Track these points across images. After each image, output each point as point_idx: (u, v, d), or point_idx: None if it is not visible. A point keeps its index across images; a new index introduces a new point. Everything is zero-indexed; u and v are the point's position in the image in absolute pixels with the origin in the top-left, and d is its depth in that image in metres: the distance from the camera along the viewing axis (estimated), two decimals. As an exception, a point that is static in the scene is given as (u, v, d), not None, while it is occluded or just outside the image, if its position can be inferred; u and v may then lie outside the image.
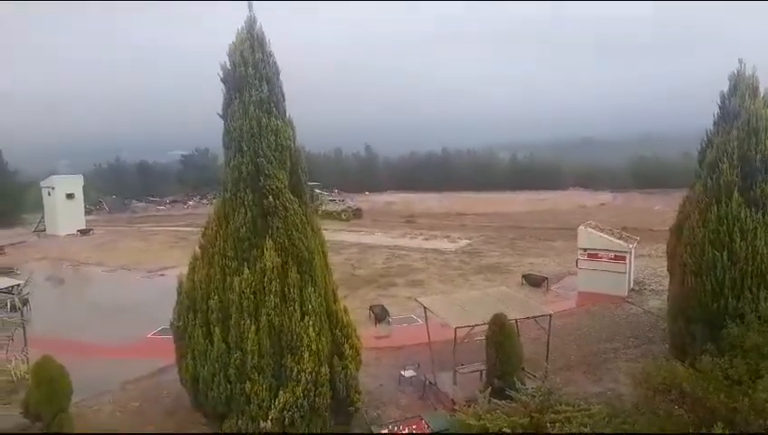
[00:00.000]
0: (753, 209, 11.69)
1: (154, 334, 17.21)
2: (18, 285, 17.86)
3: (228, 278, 10.59)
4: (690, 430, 8.23)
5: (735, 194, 11.79)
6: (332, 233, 35.28)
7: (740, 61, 13.49)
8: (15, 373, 13.14)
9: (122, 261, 30.27)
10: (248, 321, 10.25)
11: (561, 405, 8.93)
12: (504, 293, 15.48)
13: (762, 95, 13.00)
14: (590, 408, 8.93)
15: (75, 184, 42.17)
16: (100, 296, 23.08)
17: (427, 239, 34.89)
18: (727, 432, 7.42)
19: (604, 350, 15.61)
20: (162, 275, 26.25)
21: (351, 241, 34.25)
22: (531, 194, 59.22)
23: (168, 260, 29.04)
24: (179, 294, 11.42)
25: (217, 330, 10.49)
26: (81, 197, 42.62)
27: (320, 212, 45.80)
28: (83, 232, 40.22)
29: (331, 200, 49.33)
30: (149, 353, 15.65)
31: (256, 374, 10.15)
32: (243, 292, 10.30)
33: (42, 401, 10.10)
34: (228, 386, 10.34)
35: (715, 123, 14.24)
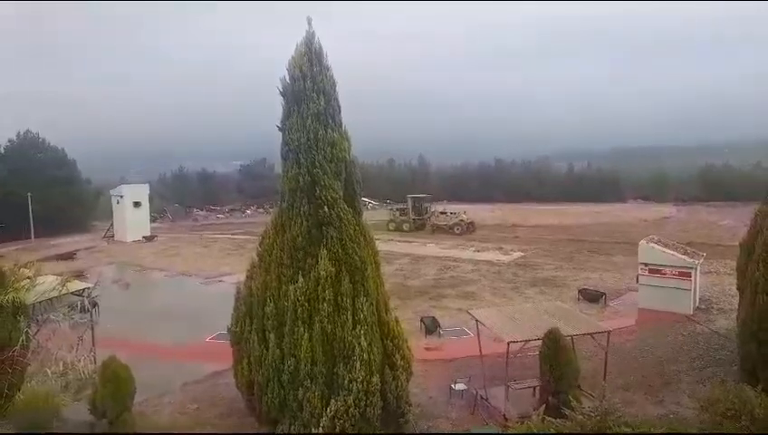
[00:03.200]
0: (833, 225, 10.91)
1: (212, 338, 17.80)
2: (88, 288, 18.94)
3: (284, 286, 10.85)
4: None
5: (814, 208, 11.05)
6: (385, 243, 35.44)
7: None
8: (84, 372, 13.89)
9: (183, 267, 31.55)
10: (302, 328, 10.46)
11: (620, 427, 8.57)
12: (559, 307, 15.06)
13: None
14: (652, 430, 8.53)
15: (142, 193, 44.41)
16: (162, 300, 24.12)
17: (479, 251, 34.44)
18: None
19: (667, 371, 14.86)
20: (220, 281, 27.18)
21: (403, 252, 34.26)
22: (588, 206, 57.36)
23: (226, 267, 30.05)
24: (237, 300, 11.81)
25: (272, 336, 10.75)
26: (147, 205, 44.83)
27: (429, 226, 44.72)
28: (148, 238, 42.22)
29: (441, 213, 45.51)
30: (207, 357, 16.18)
31: (309, 381, 10.32)
32: (297, 299, 10.52)
33: (107, 398, 10.62)
34: (281, 392, 10.57)
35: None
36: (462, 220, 43.01)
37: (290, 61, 11.31)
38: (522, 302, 21.08)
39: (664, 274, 19.90)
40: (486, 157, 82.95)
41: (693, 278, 19.71)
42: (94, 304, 19.16)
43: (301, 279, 10.60)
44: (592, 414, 8.89)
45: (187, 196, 68.19)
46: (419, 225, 45.24)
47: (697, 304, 20.22)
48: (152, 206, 48.49)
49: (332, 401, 10.13)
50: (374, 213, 58.46)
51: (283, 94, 11.42)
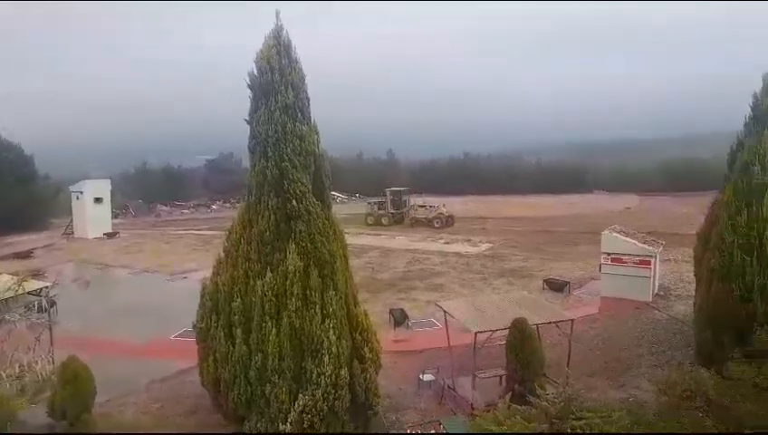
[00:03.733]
0: (784, 214, 11.38)
1: (177, 336, 17.50)
2: (46, 287, 18.33)
3: (251, 281, 10.73)
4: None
5: (767, 197, 11.50)
6: (354, 237, 35.40)
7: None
8: (42, 373, 13.48)
9: (147, 264, 30.85)
10: (270, 323, 10.36)
11: (582, 411, 8.79)
12: (526, 297, 15.34)
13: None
14: (612, 414, 8.78)
15: (103, 188, 43.13)
16: (125, 298, 23.54)
17: (448, 243, 34.75)
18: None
19: (627, 356, 15.33)
20: (185, 277, 26.71)
21: (373, 245, 34.31)
22: (555, 197, 58.53)
23: (192, 263, 29.52)
24: (203, 296, 11.61)
25: (239, 332, 10.63)
26: (109, 201, 43.55)
27: (408, 220, 44.21)
28: (110, 235, 41.10)
29: (420, 207, 44.96)
30: (172, 355, 15.91)
31: (277, 377, 10.24)
32: (265, 294, 10.41)
33: (66, 400, 10.33)
34: (249, 388, 10.47)
35: (745, 124, 13.92)
36: (441, 213, 42.85)
37: (258, 53, 11.13)
38: (489, 293, 21.41)
39: (625, 262, 20.50)
40: (456, 151, 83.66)
41: (652, 266, 20.36)
42: (52, 304, 18.59)
43: (269, 274, 10.49)
44: (556, 400, 9.09)
45: (150, 191, 66.60)
46: (398, 218, 44.90)
47: (656, 292, 20.90)
48: (114, 202, 47.12)
49: (300, 395, 10.08)
50: (352, 206, 58.35)
51: (251, 87, 11.24)
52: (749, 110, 13.75)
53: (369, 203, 47.51)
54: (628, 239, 21.11)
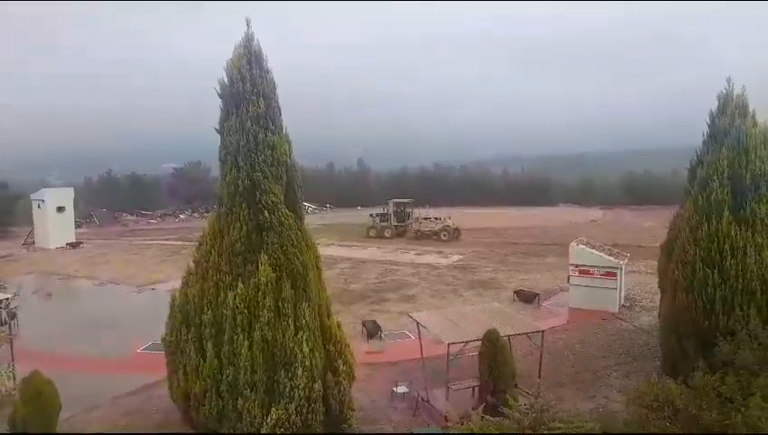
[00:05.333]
0: (743, 228, 11.84)
1: (143, 350, 17.03)
2: (6, 299, 17.63)
3: (222, 293, 10.56)
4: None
5: (726, 212, 11.95)
6: (326, 248, 35.22)
7: (728, 80, 13.77)
8: (2, 389, 12.93)
9: (112, 275, 29.98)
10: (241, 336, 10.20)
11: (553, 422, 8.91)
12: (497, 309, 15.48)
13: (751, 114, 13.24)
14: (583, 425, 8.92)
15: (66, 197, 41.87)
16: (89, 311, 22.79)
17: (419, 254, 34.89)
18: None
19: (596, 367, 15.62)
20: (153, 289, 26.05)
21: (345, 256, 34.20)
22: (522, 210, 59.55)
23: (159, 274, 28.84)
24: (172, 308, 11.36)
25: (210, 345, 10.43)
26: (72, 210, 42.28)
27: (413, 232, 42.51)
28: (73, 245, 39.86)
29: (425, 219, 43.21)
30: (139, 369, 15.46)
31: (249, 390, 10.06)
32: (236, 307, 10.26)
33: (28, 417, 9.90)
34: (220, 402, 10.26)
35: (704, 142, 14.47)
36: (448, 226, 41.56)
37: (228, 62, 11.06)
38: (461, 304, 21.56)
39: (592, 274, 20.94)
40: (426, 161, 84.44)
41: (618, 278, 20.85)
42: (13, 316, 17.92)
43: (240, 286, 10.34)
44: (528, 411, 9.19)
45: (116, 200, 65.00)
46: (401, 231, 43.24)
47: (623, 303, 21.38)
48: (77, 211, 45.77)
49: (273, 409, 9.92)
50: (323, 216, 57.39)
51: (222, 96, 11.15)
52: (707, 127, 14.34)
53: (371, 215, 45.35)
54: (594, 251, 21.60)
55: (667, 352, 12.81)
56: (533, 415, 9.12)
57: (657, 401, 9.01)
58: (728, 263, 11.56)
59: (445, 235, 40.78)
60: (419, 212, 44.55)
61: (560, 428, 8.81)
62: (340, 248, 37.32)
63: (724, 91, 13.86)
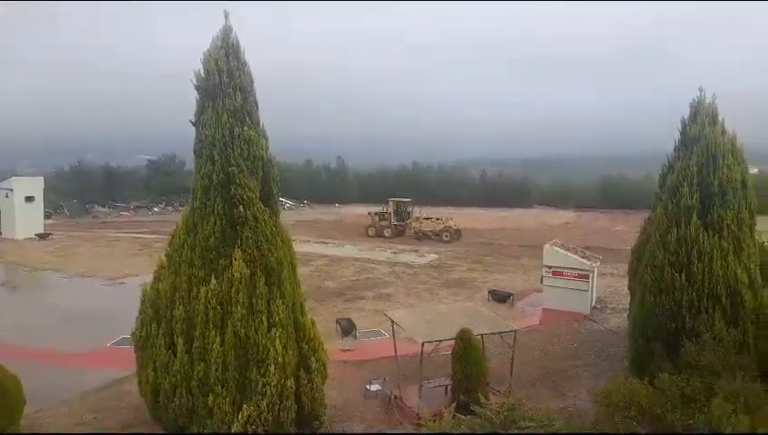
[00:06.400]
0: (710, 233, 12.13)
1: (113, 344, 16.72)
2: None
3: (194, 288, 10.42)
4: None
5: (694, 217, 12.23)
6: (300, 244, 35.04)
7: (700, 89, 14.10)
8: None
9: (82, 267, 29.33)
10: (213, 332, 10.08)
11: (524, 421, 9.02)
12: (471, 308, 15.61)
13: (720, 123, 13.57)
14: (553, 424, 9.06)
15: (35, 186, 40.75)
16: (57, 303, 22.27)
17: (395, 253, 34.95)
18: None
19: (567, 366, 15.87)
20: (123, 283, 25.58)
21: (321, 253, 34.06)
22: (498, 211, 60.04)
23: (130, 268, 28.32)
24: (143, 303, 11.18)
25: (181, 341, 10.29)
26: (41, 200, 41.21)
27: (412, 232, 41.14)
28: (42, 236, 38.85)
29: (426, 219, 41.99)
30: (108, 363, 15.19)
31: (220, 387, 9.96)
32: (209, 302, 10.14)
33: (-9, 412, 9.64)
34: (190, 398, 10.13)
35: (675, 148, 14.82)
36: (449, 227, 40.77)
37: (205, 54, 10.90)
38: (436, 303, 21.67)
39: (565, 276, 21.27)
40: (405, 160, 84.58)
41: (590, 280, 21.21)
42: (-24, 309, 17.40)
43: (213, 281, 10.23)
44: (499, 410, 9.30)
45: (87, 191, 63.51)
46: (400, 231, 42.15)
47: (594, 304, 21.78)
48: (47, 201, 44.63)
49: (245, 406, 9.84)
50: (301, 212, 56.60)
51: (198, 88, 10.98)
52: (678, 134, 14.67)
53: (369, 214, 44.09)
54: (568, 253, 21.93)
55: (635, 353, 13.07)
56: (504, 414, 9.22)
57: (624, 400, 9.19)
58: (695, 267, 11.83)
59: (446, 235, 40.01)
60: (420, 212, 43.53)
61: (530, 426, 8.93)
62: (317, 245, 37.17)
63: (696, 100, 14.18)
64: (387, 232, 41.91)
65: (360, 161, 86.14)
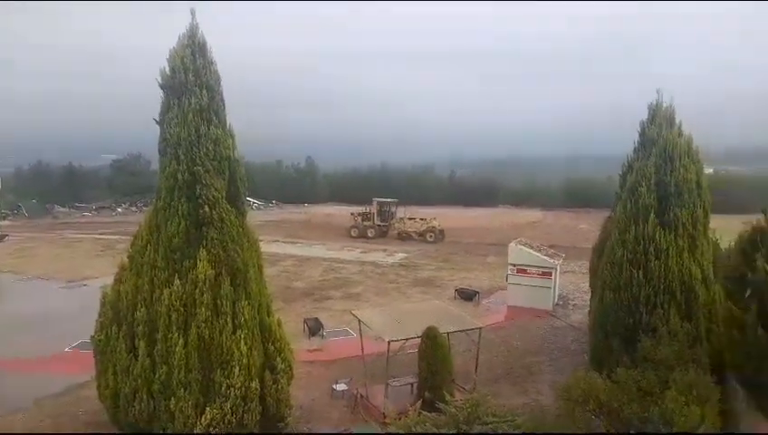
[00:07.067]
0: (666, 231, 12.53)
1: (72, 348, 16.28)
2: None
3: (157, 290, 10.24)
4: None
5: (652, 216, 12.61)
6: (268, 244, 34.75)
7: (658, 92, 14.55)
8: None
9: (40, 270, 28.42)
10: (176, 334, 9.93)
11: (488, 416, 9.19)
12: (437, 306, 15.78)
13: (677, 125, 14.04)
14: (516, 419, 9.25)
15: (-10, 186, 39.34)
16: (13, 307, 21.51)
17: (364, 252, 34.99)
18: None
19: (530, 362, 16.20)
20: (84, 285, 24.91)
21: (289, 253, 33.84)
22: (466, 210, 60.69)
23: (92, 270, 27.61)
24: (103, 305, 10.93)
25: (142, 344, 10.10)
26: (-3, 200, 39.82)
27: (396, 233, 40.71)
28: (-2, 237, 37.49)
29: (410, 219, 41.65)
30: (67, 368, 14.80)
31: (182, 390, 9.81)
32: (172, 304, 9.97)
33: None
34: (151, 402, 9.95)
35: (635, 149, 15.26)
36: (434, 227, 40.47)
37: (171, 51, 10.71)
38: (403, 301, 21.81)
39: (529, 273, 21.69)
40: (375, 161, 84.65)
41: (553, 277, 21.69)
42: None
43: (177, 282, 10.06)
44: (464, 406, 9.45)
45: (47, 191, 61.47)
46: (384, 231, 41.74)
47: (557, 301, 22.27)
48: (4, 202, 43.06)
49: (208, 409, 9.73)
50: (269, 212, 55.92)
51: (163, 87, 10.79)
52: (638, 136, 15.13)
53: (352, 214, 43.32)
54: (532, 252, 22.36)
55: (594, 348, 13.41)
56: (468, 410, 9.37)
57: (584, 395, 9.44)
58: (652, 264, 12.21)
59: (431, 236, 39.87)
60: (404, 212, 43.21)
61: (493, 422, 9.10)
62: (285, 245, 36.91)
63: (654, 103, 14.64)
64: (370, 233, 41.46)
65: (329, 162, 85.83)
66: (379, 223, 42.06)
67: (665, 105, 14.42)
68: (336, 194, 71.69)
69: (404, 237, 40.43)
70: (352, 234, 41.68)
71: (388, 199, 43.94)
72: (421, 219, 41.82)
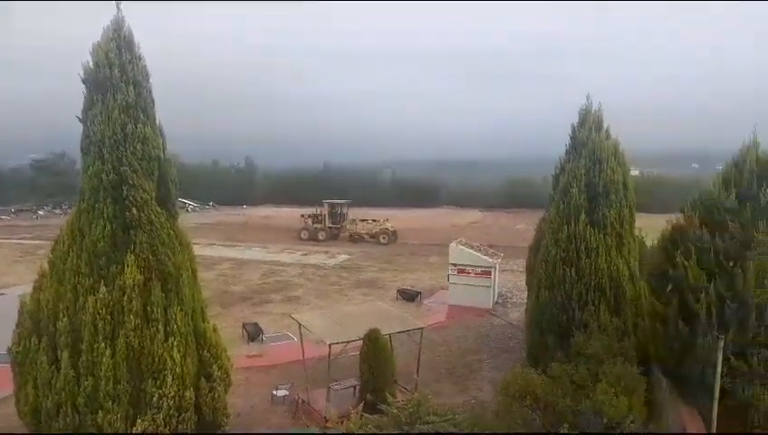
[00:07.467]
0: (596, 230, 13.08)
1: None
2: None
3: (81, 297, 9.62)
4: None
5: (582, 216, 13.13)
6: (205, 248, 33.74)
7: (587, 97, 15.18)
8: None
9: (-49, 278, 26.25)
10: (103, 344, 9.36)
11: (429, 416, 9.25)
12: (379, 308, 15.77)
13: (605, 128, 14.69)
14: (456, 417, 9.36)
15: None
16: None
17: (305, 254, 34.57)
18: (572, 433, 8.20)
19: (471, 361, 16.49)
20: (2, 293, 23.19)
21: (226, 256, 32.93)
22: (408, 211, 61.26)
23: (10, 277, 25.76)
24: (21, 314, 10.16)
25: (66, 355, 9.46)
26: None
27: (348, 235, 40.17)
28: None
29: (362, 221, 41.55)
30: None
31: (111, 402, 9.27)
32: (98, 312, 9.39)
33: None
34: (76, 416, 9.33)
35: (567, 152, 15.85)
36: (387, 228, 40.22)
37: (94, 45, 10.09)
38: (345, 304, 21.67)
39: (469, 273, 22.11)
40: (316, 161, 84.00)
41: (492, 276, 22.21)
42: None
43: (103, 289, 9.49)
44: (406, 407, 9.46)
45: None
46: (335, 234, 41.20)
47: (496, 300, 22.82)
48: None
49: (139, 420, 9.24)
50: (205, 214, 54.34)
51: (86, 82, 10.16)
52: (569, 139, 15.73)
53: (302, 216, 42.57)
54: (472, 251, 22.82)
55: (531, 344, 13.81)
56: (410, 410, 9.40)
57: (521, 390, 9.68)
58: (583, 262, 12.71)
59: (384, 237, 39.69)
60: (356, 213, 42.78)
61: (434, 421, 9.16)
62: (222, 248, 35.89)
63: (584, 107, 15.26)
64: (321, 235, 40.79)
65: (273, 162, 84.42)
66: (330, 225, 41.56)
67: (593, 110, 15.05)
68: (276, 195, 70.54)
69: (356, 239, 40.20)
70: (302, 236, 40.93)
71: (340, 201, 43.51)
72: (373, 221, 41.85)
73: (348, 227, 41.60)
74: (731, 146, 11.21)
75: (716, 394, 8.92)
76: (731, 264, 9.76)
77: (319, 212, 42.39)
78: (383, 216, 43.70)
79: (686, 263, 10.20)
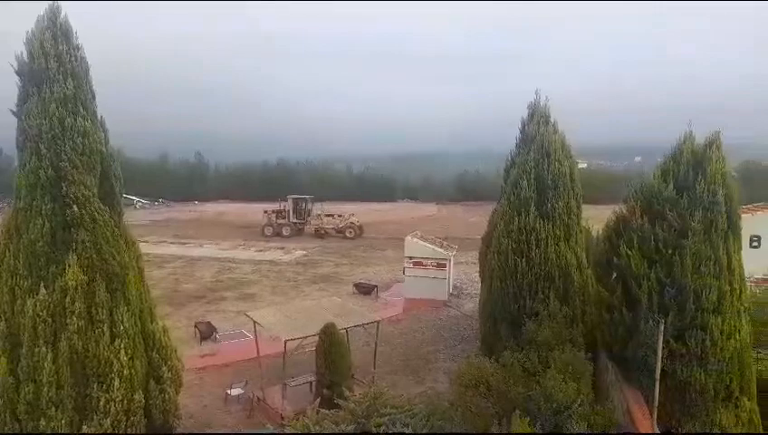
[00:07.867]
0: (545, 221, 13.44)
1: None
2: None
3: (19, 300, 9.17)
4: (495, 421, 9.13)
5: (532, 208, 13.45)
6: (155, 245, 32.76)
7: (536, 92, 15.51)
8: None
9: None
10: (44, 348, 8.95)
11: (386, 408, 9.30)
12: (335, 302, 15.73)
13: (552, 122, 15.07)
14: (413, 408, 9.45)
15: None
16: None
17: (260, 251, 34.08)
18: (524, 419, 8.43)
19: (427, 352, 16.69)
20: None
21: (177, 254, 32.02)
22: (364, 205, 61.26)
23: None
24: (-48, 321, 9.58)
25: (3, 360, 9.00)
26: None
27: (313, 230, 39.46)
28: None
29: (328, 216, 41.18)
30: None
31: (53, 409, 8.88)
32: (38, 315, 8.97)
33: None
34: (17, 425, 8.91)
35: (517, 145, 16.18)
36: (353, 223, 39.86)
37: (27, 34, 9.59)
38: (301, 299, 21.51)
39: (425, 265, 22.34)
40: (270, 156, 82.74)
41: (447, 268, 22.51)
42: None
43: (42, 291, 9.06)
44: (362, 401, 9.49)
45: None
46: (300, 229, 40.47)
47: (451, 291, 23.15)
48: None
49: (84, 427, 8.90)
50: (154, 211, 52.78)
51: (20, 73, 9.64)
52: (519, 133, 16.07)
53: (265, 212, 41.53)
54: (427, 244, 23.05)
55: (485, 334, 14.09)
56: (367, 404, 9.43)
57: (475, 379, 9.85)
58: (533, 253, 13.04)
59: (350, 232, 39.40)
60: (322, 208, 42.18)
61: (391, 413, 9.22)
62: (173, 246, 34.90)
63: (533, 102, 15.60)
64: (285, 231, 40.08)
65: (219, 158, 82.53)
66: (294, 220, 40.97)
67: (542, 104, 15.41)
68: (230, 191, 69.14)
69: (322, 235, 39.82)
70: (266, 233, 40.15)
71: (304, 196, 42.89)
72: (339, 216, 41.55)
73: (313, 222, 41.23)
74: (671, 139, 11.71)
75: (657, 375, 9.37)
76: (669, 251, 10.23)
77: (282, 208, 41.67)
78: (346, 210, 43.51)
79: (628, 252, 10.63)
